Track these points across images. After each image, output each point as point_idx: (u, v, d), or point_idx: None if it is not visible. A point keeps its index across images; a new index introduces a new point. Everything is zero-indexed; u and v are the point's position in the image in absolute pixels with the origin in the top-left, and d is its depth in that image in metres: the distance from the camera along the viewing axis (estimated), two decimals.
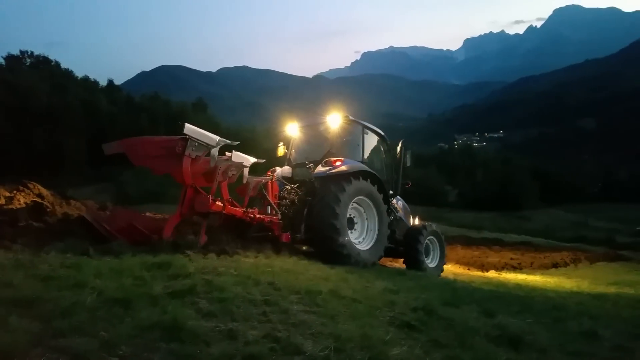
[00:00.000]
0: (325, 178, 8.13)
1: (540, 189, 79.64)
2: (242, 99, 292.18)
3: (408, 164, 10.21)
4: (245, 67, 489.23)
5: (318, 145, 9.47)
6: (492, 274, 15.72)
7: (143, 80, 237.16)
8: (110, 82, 74.75)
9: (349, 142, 9.40)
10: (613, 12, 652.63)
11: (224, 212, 7.17)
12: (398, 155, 10.22)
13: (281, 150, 9.86)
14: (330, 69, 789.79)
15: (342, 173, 8.15)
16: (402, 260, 10.50)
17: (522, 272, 17.32)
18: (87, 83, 66.96)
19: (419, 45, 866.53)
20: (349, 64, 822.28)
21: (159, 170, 7.07)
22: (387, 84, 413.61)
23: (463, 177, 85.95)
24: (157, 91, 73.42)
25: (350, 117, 9.42)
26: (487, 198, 68.67)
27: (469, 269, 15.99)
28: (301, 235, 8.10)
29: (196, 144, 6.73)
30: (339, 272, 6.62)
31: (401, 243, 10.05)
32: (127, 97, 68.95)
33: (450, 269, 11.26)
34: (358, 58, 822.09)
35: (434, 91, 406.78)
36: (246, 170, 7.95)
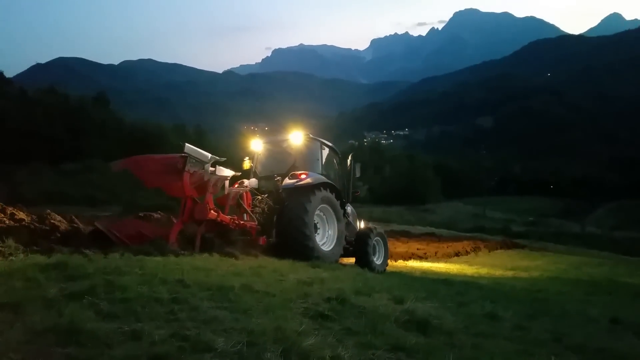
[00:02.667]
0: (293, 189, 9.16)
1: (443, 183, 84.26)
2: (147, 93, 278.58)
3: (358, 175, 11.44)
4: (150, 60, 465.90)
5: (282, 160, 10.59)
6: (400, 263, 16.36)
7: (38, 72, 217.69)
8: (0, 73, 68.10)
9: (310, 156, 10.56)
10: (507, 17, 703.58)
11: (218, 219, 8.15)
12: (348, 167, 11.38)
13: (247, 164, 10.68)
14: (241, 65, 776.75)
15: (307, 185, 9.21)
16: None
17: (427, 261, 18.18)
18: None
19: (328, 44, 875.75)
20: (259, 60, 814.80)
21: (154, 184, 8.04)
22: (298, 81, 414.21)
23: (372, 173, 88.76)
24: (53, 84, 68.01)
25: (310, 135, 10.69)
26: (394, 193, 71.41)
27: None
28: (273, 239, 9.12)
29: (194, 160, 7.59)
30: (252, 267, 6.52)
31: (351, 244, 11.13)
32: (19, 90, 63.15)
33: None
34: (269, 55, 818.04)
35: (344, 89, 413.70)
36: (227, 182, 8.96)
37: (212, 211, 7.99)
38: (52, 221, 7.66)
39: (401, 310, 5.09)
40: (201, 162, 7.81)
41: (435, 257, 19.91)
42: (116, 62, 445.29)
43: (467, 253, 22.99)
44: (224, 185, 8.87)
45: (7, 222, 6.86)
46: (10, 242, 5.32)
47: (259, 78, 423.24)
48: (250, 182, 10.32)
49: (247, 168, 10.65)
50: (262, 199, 9.90)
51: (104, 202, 39.37)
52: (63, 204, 31.22)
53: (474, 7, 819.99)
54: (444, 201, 77.99)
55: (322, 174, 10.23)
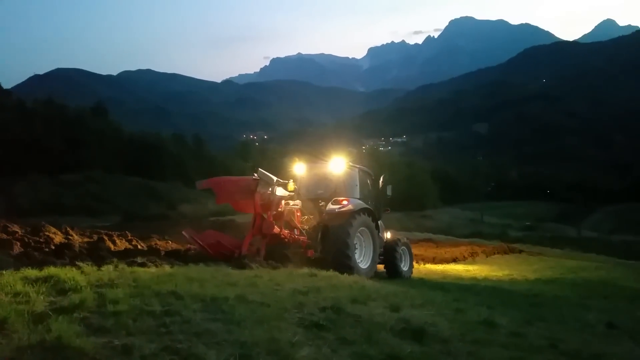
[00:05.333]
0: (336, 215, 10.13)
1: (440, 189, 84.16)
2: (146, 103, 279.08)
3: (389, 194, 12.58)
4: (149, 71, 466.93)
5: (323, 184, 11.71)
6: None
7: (36, 84, 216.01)
8: None
9: (349, 182, 11.61)
10: (502, 24, 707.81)
11: (280, 234, 9.69)
12: (380, 187, 12.51)
13: (291, 186, 11.43)
14: (240, 74, 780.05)
15: (349, 211, 10.21)
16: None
17: (425, 267, 18.07)
18: None
19: (326, 52, 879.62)
20: (258, 70, 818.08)
21: (224, 200, 9.90)
22: (296, 89, 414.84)
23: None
24: (52, 95, 68.02)
25: (350, 163, 11.87)
26: (393, 199, 71.09)
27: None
28: (318, 253, 10.21)
29: (263, 182, 9.03)
30: (247, 277, 6.48)
31: (381, 253, 12.09)
32: (18, 101, 63.21)
33: None
34: (267, 64, 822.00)
35: (342, 97, 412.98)
36: (282, 202, 10.23)
37: (275, 227, 9.42)
38: (46, 233, 7.63)
39: (397, 318, 5.07)
40: (268, 185, 9.29)
41: (433, 263, 19.80)
42: (115, 73, 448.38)
43: (464, 258, 22.83)
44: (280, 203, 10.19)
45: None
46: (1, 255, 5.28)
47: (257, 87, 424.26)
48: (295, 203, 11.22)
49: (292, 190, 11.42)
50: (307, 218, 11.17)
51: (103, 212, 39.31)
52: (61, 214, 31.19)
53: (469, 15, 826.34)
54: (442, 207, 77.89)
55: (359, 198, 11.29)
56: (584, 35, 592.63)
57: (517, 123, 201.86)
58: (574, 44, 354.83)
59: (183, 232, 8.67)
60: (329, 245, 10.04)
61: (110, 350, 2.98)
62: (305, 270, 8.33)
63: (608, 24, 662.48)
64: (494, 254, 26.31)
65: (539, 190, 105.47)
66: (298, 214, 11.08)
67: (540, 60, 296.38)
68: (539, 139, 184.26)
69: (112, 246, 8.11)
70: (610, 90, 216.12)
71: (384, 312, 5.32)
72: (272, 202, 9.51)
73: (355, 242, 10.43)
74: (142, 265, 6.19)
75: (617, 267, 23.84)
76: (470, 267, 18.68)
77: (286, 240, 10.07)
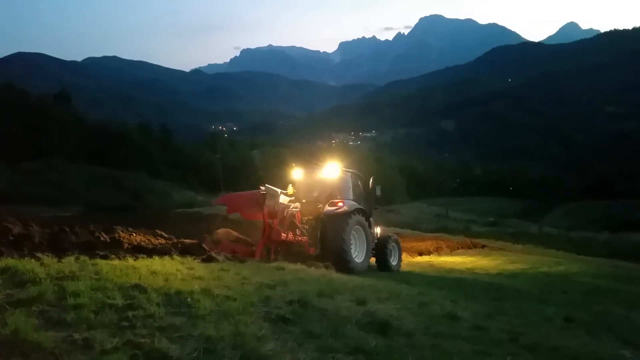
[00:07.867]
0: (333, 216, 11.25)
1: (408, 184, 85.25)
2: (112, 91, 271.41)
3: (379, 194, 13.62)
4: (115, 57, 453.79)
5: (320, 188, 12.72)
6: None
7: None
8: None
9: (343, 185, 12.65)
10: (470, 23, 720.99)
11: (286, 239, 10.95)
12: (370, 187, 13.56)
13: (291, 190, 12.37)
14: (209, 64, 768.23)
15: (345, 212, 11.32)
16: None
17: None
18: None
19: (297, 45, 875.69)
20: (228, 60, 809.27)
21: (234, 211, 11.86)
22: (267, 81, 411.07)
23: None
24: (12, 80, 65.39)
25: (343, 168, 13.06)
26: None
27: None
28: (317, 251, 11.38)
29: (269, 196, 10.35)
30: (213, 271, 6.42)
31: (373, 248, 13.09)
32: None
33: None
34: (237, 54, 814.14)
35: (312, 91, 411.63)
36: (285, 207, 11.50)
37: (282, 233, 10.70)
38: (4, 223, 7.36)
39: (363, 312, 5.11)
40: (274, 197, 10.64)
41: None
42: (79, 59, 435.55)
43: (429, 253, 23.13)
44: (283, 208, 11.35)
45: None
46: None
47: (227, 78, 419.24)
48: (295, 206, 12.15)
49: (291, 194, 12.34)
50: (307, 220, 12.21)
51: (64, 202, 38.20)
52: (21, 203, 30.16)
53: (439, 13, 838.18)
54: (409, 202, 78.86)
55: (352, 199, 12.33)
56: (549, 37, 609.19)
57: (482, 121, 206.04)
58: (539, 45, 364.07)
59: (203, 245, 9.11)
60: (328, 243, 11.10)
61: (70, 345, 2.90)
62: (273, 264, 8.34)
63: (571, 26, 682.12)
64: (458, 248, 26.73)
65: (503, 186, 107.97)
66: (298, 215, 12.10)
67: (506, 59, 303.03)
68: (504, 137, 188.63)
69: (73, 237, 7.88)
70: (572, 91, 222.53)
71: (350, 306, 5.36)
72: (277, 211, 10.81)
73: (351, 239, 11.44)
74: (105, 257, 6.03)
75: (576, 263, 24.57)
76: (434, 261, 18.98)
77: (292, 242, 11.27)
